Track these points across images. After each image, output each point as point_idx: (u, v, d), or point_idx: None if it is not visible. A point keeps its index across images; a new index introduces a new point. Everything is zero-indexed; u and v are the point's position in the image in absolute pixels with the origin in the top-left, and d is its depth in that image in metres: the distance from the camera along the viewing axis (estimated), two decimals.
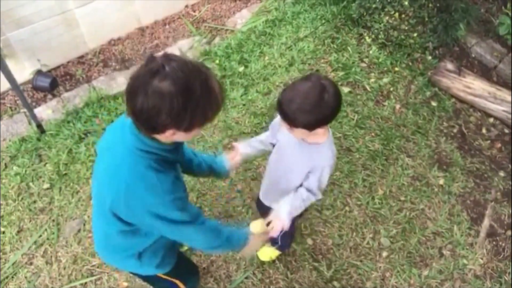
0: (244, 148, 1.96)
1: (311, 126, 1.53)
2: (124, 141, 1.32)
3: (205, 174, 1.88)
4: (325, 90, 1.46)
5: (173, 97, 1.14)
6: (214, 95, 1.22)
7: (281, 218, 1.75)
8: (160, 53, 1.21)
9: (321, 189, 1.75)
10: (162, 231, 1.43)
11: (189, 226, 1.42)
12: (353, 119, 3.12)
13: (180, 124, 1.21)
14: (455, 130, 3.17)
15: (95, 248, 1.71)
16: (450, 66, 3.37)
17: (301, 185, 1.78)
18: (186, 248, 2.46)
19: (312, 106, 1.46)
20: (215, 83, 1.23)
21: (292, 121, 1.53)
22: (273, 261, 2.49)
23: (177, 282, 1.86)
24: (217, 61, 3.37)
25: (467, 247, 2.64)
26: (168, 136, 1.25)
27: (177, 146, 1.40)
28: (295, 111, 1.48)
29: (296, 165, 1.74)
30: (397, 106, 3.23)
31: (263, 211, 2.30)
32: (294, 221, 2.13)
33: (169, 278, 1.80)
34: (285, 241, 2.26)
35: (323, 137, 1.65)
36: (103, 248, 1.66)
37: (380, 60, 3.44)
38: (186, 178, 2.77)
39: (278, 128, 1.80)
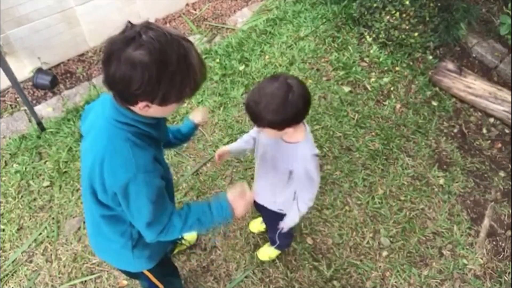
0: (227, 149, 1.96)
1: (277, 126, 1.52)
2: (104, 113, 1.28)
3: (173, 144, 1.80)
4: (290, 90, 1.46)
5: (145, 67, 1.09)
6: (192, 70, 1.17)
7: (286, 225, 1.94)
8: (141, 21, 1.16)
9: (314, 178, 1.74)
10: (128, 214, 1.35)
11: (148, 231, 1.36)
12: (354, 119, 3.12)
13: (153, 97, 1.15)
14: (455, 130, 3.17)
15: (90, 243, 1.66)
16: (450, 66, 3.36)
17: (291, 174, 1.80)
18: (177, 250, 2.46)
19: (277, 106, 1.46)
20: (194, 58, 1.17)
21: (258, 121, 1.53)
22: (273, 260, 2.49)
23: (160, 286, 1.84)
24: (217, 60, 3.37)
25: (467, 247, 2.64)
26: (142, 109, 1.20)
27: (158, 122, 1.34)
28: (260, 110, 1.48)
29: (278, 162, 1.74)
30: (398, 106, 3.23)
31: (260, 209, 2.29)
32: None
33: (154, 280, 1.78)
34: (283, 240, 2.26)
35: (298, 135, 1.64)
36: (96, 236, 1.60)
37: (380, 59, 3.44)
38: (187, 177, 2.78)
39: None
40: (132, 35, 1.10)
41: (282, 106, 1.46)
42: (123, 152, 1.24)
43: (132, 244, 1.53)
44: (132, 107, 1.22)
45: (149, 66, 1.09)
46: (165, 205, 1.37)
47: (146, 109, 1.21)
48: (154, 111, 1.22)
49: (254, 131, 1.94)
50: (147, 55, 1.08)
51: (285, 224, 1.94)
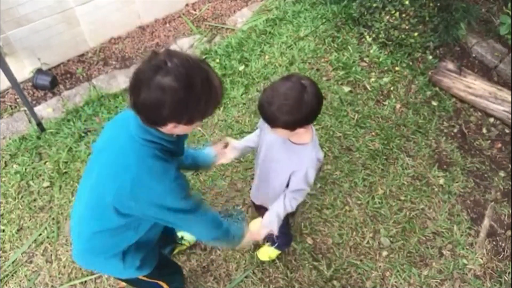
0: (237, 145, 1.96)
1: (291, 126, 1.53)
2: (128, 132, 1.35)
3: (187, 167, 1.88)
4: (305, 90, 1.46)
5: (174, 92, 1.17)
6: (214, 91, 1.26)
7: (268, 227, 1.83)
8: (163, 50, 1.24)
9: (309, 184, 1.74)
10: (166, 220, 1.44)
11: (191, 215, 1.45)
12: (354, 119, 3.12)
13: (181, 118, 1.25)
14: (455, 130, 3.17)
15: (74, 256, 1.66)
16: (450, 65, 3.36)
17: (287, 186, 1.79)
18: (177, 250, 2.47)
19: (292, 106, 1.46)
20: (215, 79, 1.26)
21: (272, 121, 1.53)
22: (273, 260, 2.49)
23: (160, 282, 1.85)
24: (217, 60, 3.37)
25: (467, 247, 2.64)
26: (170, 129, 1.29)
27: (179, 139, 1.44)
28: (274, 111, 1.48)
29: (282, 164, 1.74)
30: (398, 106, 3.23)
31: (259, 209, 2.30)
32: (287, 220, 2.12)
33: (152, 280, 1.79)
34: (282, 240, 2.26)
35: (306, 137, 1.65)
36: (86, 252, 1.61)
37: (380, 59, 3.44)
38: (187, 177, 2.78)
39: (266, 127, 1.81)
40: (158, 63, 1.18)
41: (297, 106, 1.47)
42: (155, 168, 1.33)
43: (122, 255, 1.57)
44: (159, 128, 1.31)
45: (178, 91, 1.18)
46: (194, 196, 1.49)
47: (173, 130, 1.30)
48: (180, 130, 1.32)
49: (257, 135, 1.93)
50: (175, 81, 1.17)
51: (272, 225, 1.84)
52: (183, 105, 1.21)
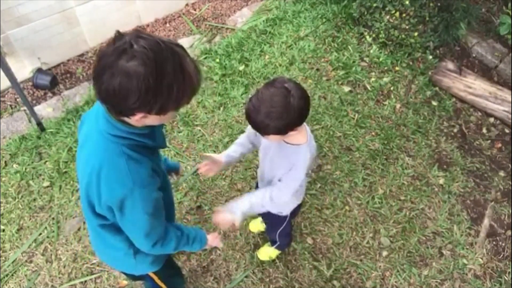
0: (224, 157, 1.91)
1: (282, 131, 1.51)
2: (98, 126, 1.26)
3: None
4: (289, 94, 1.44)
5: (141, 79, 1.04)
6: (188, 78, 1.13)
7: (233, 214, 1.75)
8: (130, 30, 1.11)
9: (298, 180, 1.69)
10: (122, 227, 1.37)
11: (144, 242, 1.38)
12: (354, 118, 3.12)
13: (151, 108, 1.12)
14: (455, 130, 3.17)
15: (92, 247, 1.66)
16: (450, 65, 3.36)
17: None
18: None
19: (279, 112, 1.44)
20: (190, 65, 1.14)
21: (262, 129, 1.51)
22: (273, 260, 2.49)
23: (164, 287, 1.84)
24: (217, 60, 3.37)
25: (467, 247, 2.64)
26: (139, 120, 1.16)
27: (153, 130, 1.30)
28: (263, 119, 1.46)
29: (278, 165, 1.73)
30: (398, 106, 3.23)
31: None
32: (290, 219, 2.12)
33: (158, 282, 1.78)
34: (282, 240, 2.26)
35: (300, 137, 1.63)
36: (99, 244, 1.60)
37: (380, 59, 3.44)
38: (187, 177, 2.77)
39: None
40: (123, 46, 1.05)
41: (285, 111, 1.44)
42: (119, 167, 1.22)
43: (134, 250, 1.53)
44: (127, 119, 1.19)
45: (145, 77, 1.05)
46: (161, 216, 1.38)
47: (143, 120, 1.17)
48: (151, 120, 1.20)
49: (246, 136, 1.91)
50: (142, 65, 1.04)
51: (236, 212, 1.77)
52: (152, 93, 1.07)
